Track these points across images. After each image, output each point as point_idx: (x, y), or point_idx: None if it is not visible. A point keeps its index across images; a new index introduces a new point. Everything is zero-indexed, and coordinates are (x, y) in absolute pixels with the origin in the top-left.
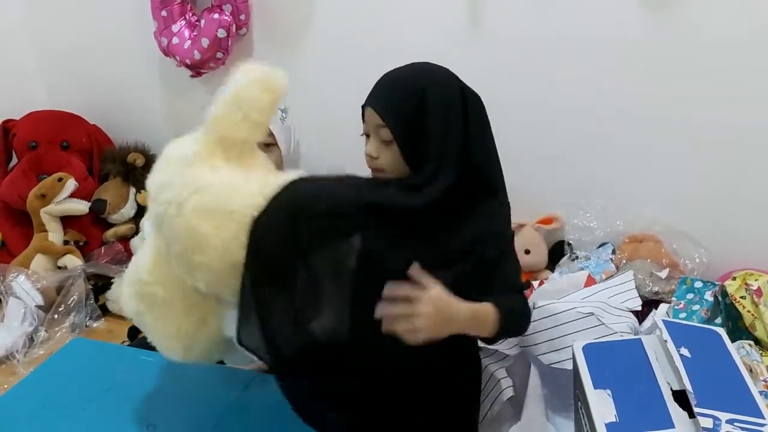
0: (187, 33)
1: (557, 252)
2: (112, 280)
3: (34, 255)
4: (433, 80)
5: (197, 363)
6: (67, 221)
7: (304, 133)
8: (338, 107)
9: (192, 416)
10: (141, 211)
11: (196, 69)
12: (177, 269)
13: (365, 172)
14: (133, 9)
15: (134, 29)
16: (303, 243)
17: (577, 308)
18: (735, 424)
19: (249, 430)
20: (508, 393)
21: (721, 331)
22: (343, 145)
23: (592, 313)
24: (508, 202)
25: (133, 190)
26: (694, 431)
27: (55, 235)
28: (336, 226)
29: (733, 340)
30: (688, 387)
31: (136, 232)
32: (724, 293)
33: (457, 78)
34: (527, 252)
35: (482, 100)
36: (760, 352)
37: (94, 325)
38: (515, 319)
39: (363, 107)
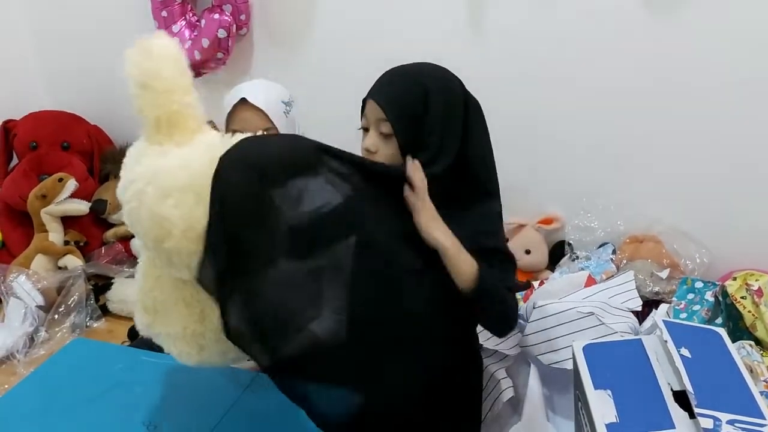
0: (187, 33)
1: (558, 252)
2: (112, 281)
3: (35, 255)
4: (436, 78)
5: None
6: (68, 221)
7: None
8: (338, 107)
9: (193, 416)
10: None
11: (197, 69)
12: (161, 264)
13: None
14: (133, 9)
15: (135, 29)
16: (270, 199)
17: (578, 308)
18: (735, 424)
19: (250, 430)
20: (509, 393)
21: (722, 332)
22: (344, 146)
23: (593, 313)
24: (501, 210)
25: None
26: None
27: (55, 235)
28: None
29: (733, 341)
30: (689, 387)
31: None
32: (725, 293)
33: (459, 80)
34: (528, 252)
35: (483, 102)
36: (761, 352)
37: (95, 325)
38: (494, 294)
39: (364, 100)
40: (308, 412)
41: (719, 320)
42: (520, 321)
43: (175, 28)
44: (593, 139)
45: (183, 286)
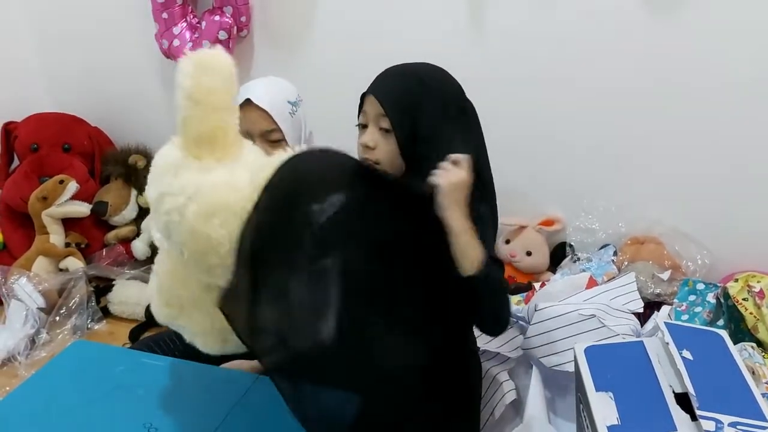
0: (188, 35)
1: (559, 254)
2: (113, 282)
3: (36, 257)
4: (434, 79)
5: (198, 363)
6: (69, 223)
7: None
8: (339, 108)
9: (194, 418)
10: (142, 213)
11: None
12: (194, 271)
13: None
14: (134, 11)
15: (135, 31)
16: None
17: (579, 310)
18: (738, 427)
19: None
20: (511, 396)
21: (724, 333)
22: (344, 146)
23: (594, 315)
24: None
25: (134, 192)
26: None
27: (56, 237)
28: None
29: (735, 342)
30: (691, 390)
31: (138, 234)
32: (727, 295)
33: (456, 81)
34: (529, 253)
35: (483, 103)
36: (763, 354)
37: (96, 327)
38: (494, 285)
39: (363, 96)
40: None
41: (721, 322)
42: (522, 323)
43: (176, 29)
44: (594, 140)
45: (213, 288)
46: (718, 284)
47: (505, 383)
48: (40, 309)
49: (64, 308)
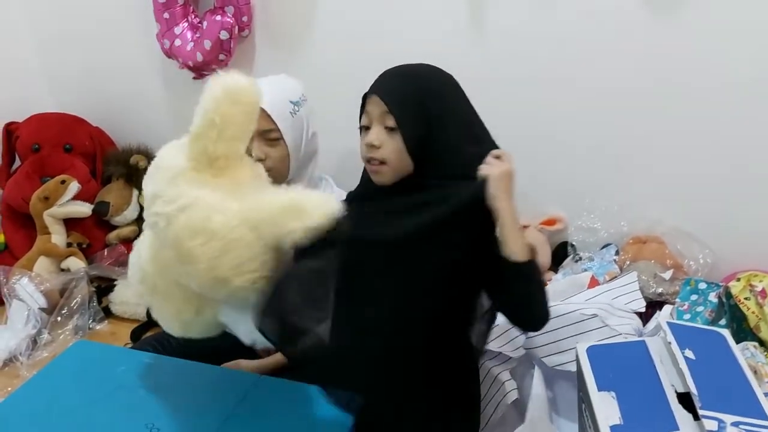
0: (189, 35)
1: (561, 253)
2: (115, 283)
3: (37, 257)
4: (433, 79)
5: (199, 363)
6: (70, 223)
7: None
8: (340, 108)
9: (195, 418)
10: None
11: (199, 71)
12: (172, 269)
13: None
14: (135, 11)
15: (137, 31)
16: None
17: (581, 310)
18: (740, 426)
19: None
20: (513, 396)
21: (726, 333)
22: (345, 145)
23: (596, 315)
24: None
25: (136, 192)
26: None
27: (58, 237)
28: None
29: (737, 342)
30: (693, 389)
31: (139, 234)
32: (729, 294)
33: (455, 81)
34: None
35: (484, 103)
36: (765, 353)
37: (97, 327)
38: (540, 274)
39: (365, 97)
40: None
41: (723, 321)
42: None
43: (177, 29)
44: (595, 139)
45: (187, 287)
46: (720, 283)
47: (507, 383)
48: (42, 309)
49: (66, 308)
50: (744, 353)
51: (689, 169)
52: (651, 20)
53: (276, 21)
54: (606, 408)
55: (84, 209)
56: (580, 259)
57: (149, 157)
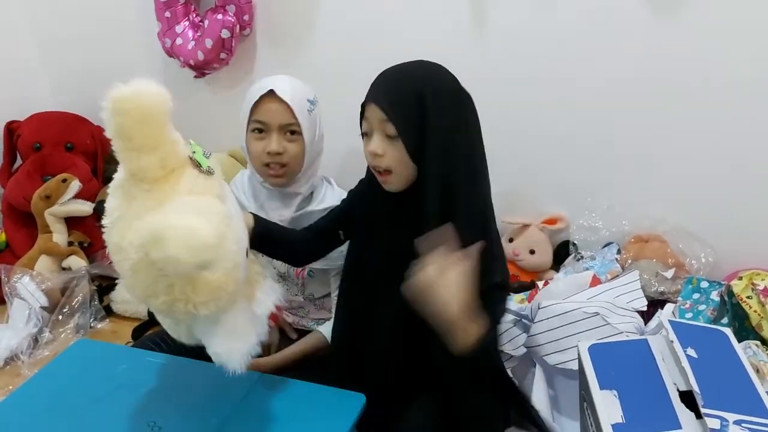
0: (190, 34)
1: (562, 252)
2: (116, 281)
3: (39, 256)
4: (430, 74)
5: (201, 361)
6: (72, 222)
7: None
8: (341, 107)
9: (197, 417)
10: None
11: (200, 70)
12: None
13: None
14: (136, 10)
15: (138, 30)
16: None
17: (583, 308)
18: (742, 424)
19: (253, 430)
20: None
21: (728, 331)
22: (346, 146)
23: (598, 313)
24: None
25: None
26: None
27: (59, 236)
28: None
29: (739, 340)
30: (695, 387)
31: None
32: (731, 293)
33: (452, 75)
34: (532, 252)
35: (485, 102)
36: (767, 352)
37: (99, 326)
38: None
39: (363, 105)
40: None
41: (725, 320)
42: (525, 322)
43: (179, 28)
44: (597, 139)
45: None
46: (722, 282)
47: None
48: (43, 308)
49: (67, 307)
50: (746, 352)
51: (691, 168)
52: (651, 20)
53: (277, 20)
54: (608, 406)
55: (85, 208)
56: (582, 258)
57: None
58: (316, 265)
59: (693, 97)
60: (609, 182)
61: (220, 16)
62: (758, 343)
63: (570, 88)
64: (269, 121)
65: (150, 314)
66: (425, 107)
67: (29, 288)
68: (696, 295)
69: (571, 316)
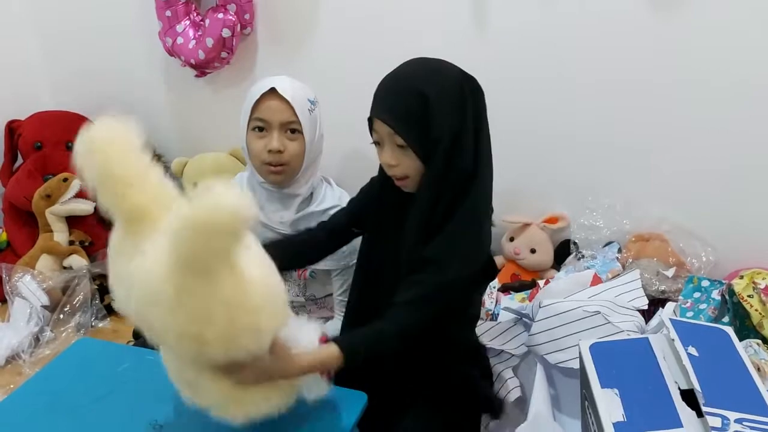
0: (191, 33)
1: (563, 251)
2: None
3: (40, 255)
4: (431, 75)
5: None
6: (73, 221)
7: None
8: (342, 107)
9: (198, 416)
10: None
11: (201, 69)
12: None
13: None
14: (137, 9)
15: (139, 29)
16: None
17: (584, 307)
18: (744, 423)
19: (255, 429)
20: (516, 393)
21: (729, 330)
22: (346, 145)
23: (599, 312)
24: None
25: None
26: (703, 431)
27: (60, 235)
28: None
29: (740, 339)
30: (696, 386)
31: None
32: (732, 292)
33: (452, 66)
34: (533, 251)
35: (488, 102)
36: None
37: (100, 324)
38: (374, 348)
39: (370, 119)
40: None
41: (726, 319)
42: (526, 320)
43: (180, 27)
44: (598, 137)
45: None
46: (723, 281)
47: (509, 380)
48: (44, 307)
49: (68, 306)
50: (747, 350)
51: (692, 166)
52: (653, 19)
53: (278, 19)
54: (609, 405)
55: (86, 207)
56: (583, 257)
57: (151, 155)
58: (319, 265)
59: (694, 97)
60: (610, 181)
61: (221, 15)
62: (759, 341)
63: (571, 88)
64: (270, 118)
65: None
66: (430, 113)
67: (30, 287)
68: (697, 294)
69: (572, 315)
